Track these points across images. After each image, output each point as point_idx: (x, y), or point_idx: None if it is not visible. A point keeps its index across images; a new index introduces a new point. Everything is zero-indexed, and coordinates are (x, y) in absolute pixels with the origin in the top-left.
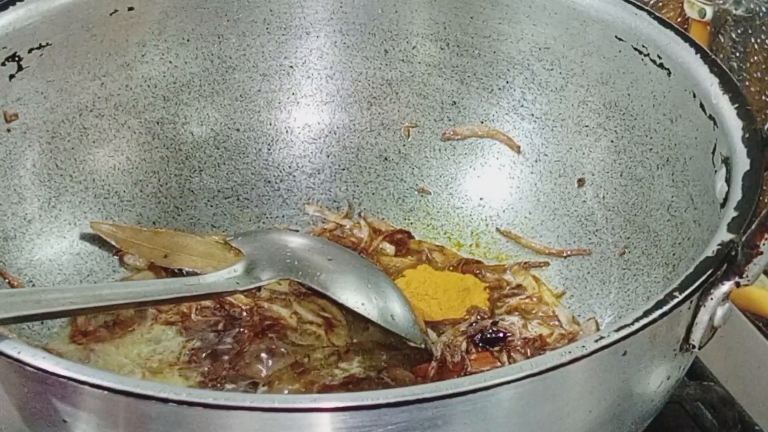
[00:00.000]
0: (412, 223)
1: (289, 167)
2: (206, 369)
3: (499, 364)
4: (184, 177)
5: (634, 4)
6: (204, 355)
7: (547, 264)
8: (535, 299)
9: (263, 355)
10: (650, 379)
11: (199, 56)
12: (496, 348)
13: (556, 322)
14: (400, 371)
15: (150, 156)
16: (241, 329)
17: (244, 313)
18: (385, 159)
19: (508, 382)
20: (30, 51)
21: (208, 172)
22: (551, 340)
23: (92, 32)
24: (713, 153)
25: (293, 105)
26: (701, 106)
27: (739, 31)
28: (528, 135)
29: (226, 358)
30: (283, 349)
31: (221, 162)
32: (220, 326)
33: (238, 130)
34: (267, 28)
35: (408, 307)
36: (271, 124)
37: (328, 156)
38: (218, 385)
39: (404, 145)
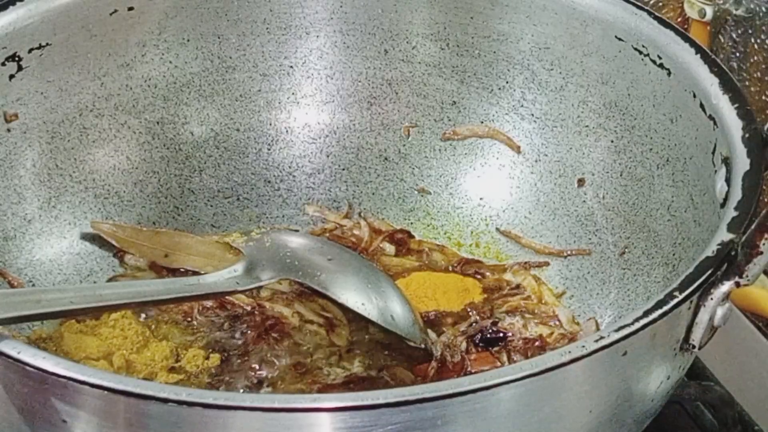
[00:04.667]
0: (412, 223)
1: (289, 167)
2: (212, 370)
3: (499, 364)
4: (184, 177)
5: (634, 4)
6: (211, 355)
7: (547, 264)
8: (535, 299)
9: (267, 355)
10: (650, 379)
11: (199, 56)
12: (496, 348)
13: (556, 322)
14: (401, 371)
15: (150, 156)
16: (246, 329)
17: (247, 313)
18: (385, 159)
19: (508, 382)
20: (30, 51)
21: (208, 172)
22: (551, 340)
23: (92, 32)
24: (713, 153)
25: (293, 105)
26: (701, 106)
27: (739, 31)
28: (528, 135)
29: (233, 358)
30: (286, 350)
31: (221, 162)
32: (225, 326)
33: (238, 130)
34: (267, 28)
35: (408, 307)
36: (271, 124)
37: (328, 156)
38: (223, 385)
39: (404, 145)
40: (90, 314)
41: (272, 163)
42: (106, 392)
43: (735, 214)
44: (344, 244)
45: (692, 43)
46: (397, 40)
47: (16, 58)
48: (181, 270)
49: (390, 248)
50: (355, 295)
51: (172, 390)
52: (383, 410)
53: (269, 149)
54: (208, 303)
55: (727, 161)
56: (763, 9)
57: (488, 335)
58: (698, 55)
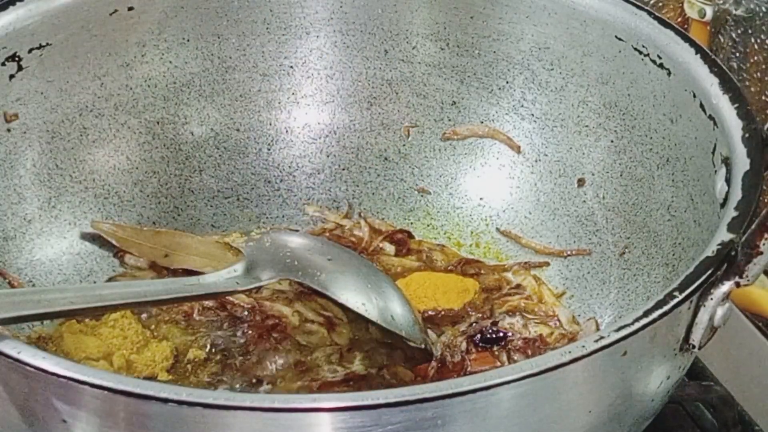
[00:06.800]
0: (412, 223)
1: (289, 167)
2: (212, 370)
3: (499, 364)
4: (184, 177)
5: (634, 4)
6: (212, 355)
7: (547, 264)
8: (535, 299)
9: (268, 354)
10: (650, 379)
11: (199, 56)
12: (496, 348)
13: (556, 322)
14: (401, 369)
15: (150, 156)
16: (246, 329)
17: (247, 313)
18: (385, 159)
19: (508, 382)
20: (30, 51)
21: (208, 172)
22: (551, 340)
23: (92, 32)
24: (713, 153)
25: (293, 105)
26: (701, 106)
27: (739, 31)
28: (528, 135)
29: (233, 358)
30: (286, 349)
31: (221, 162)
32: (225, 326)
33: (238, 130)
34: (267, 28)
35: (408, 307)
36: (271, 124)
37: (328, 156)
38: (223, 384)
39: (404, 145)
40: (90, 314)
41: (272, 163)
42: (106, 392)
43: (735, 214)
44: (344, 244)
45: (692, 43)
46: (397, 40)
47: (16, 58)
48: (181, 270)
49: (390, 248)
50: (355, 295)
51: (172, 390)
52: (383, 410)
53: (269, 149)
54: (208, 303)
55: (727, 161)
56: (763, 9)
57: (488, 335)
58: (698, 55)
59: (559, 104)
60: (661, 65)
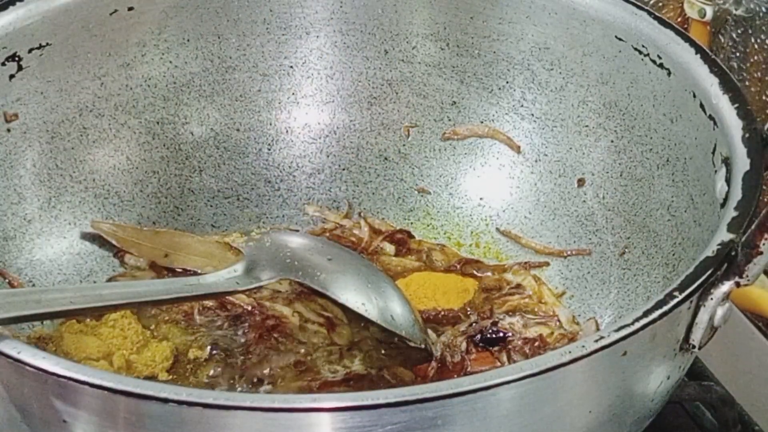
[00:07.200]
0: (412, 223)
1: (289, 167)
2: (212, 370)
3: (499, 364)
4: (184, 177)
5: (634, 4)
6: (212, 355)
7: (547, 264)
8: (535, 299)
9: (268, 355)
10: (650, 379)
11: (199, 56)
12: (496, 348)
13: (556, 322)
14: (401, 369)
15: (150, 156)
16: (246, 329)
17: (247, 313)
18: (385, 159)
19: (508, 382)
20: (30, 51)
21: (208, 172)
22: (551, 340)
23: (92, 32)
24: (713, 153)
25: (293, 105)
26: (701, 106)
27: (739, 31)
28: (528, 135)
29: (234, 358)
30: (286, 349)
31: (221, 162)
32: (225, 326)
33: (238, 130)
34: (267, 28)
35: (408, 307)
36: (271, 124)
37: (328, 156)
38: (223, 384)
39: (404, 145)
40: (90, 314)
41: (272, 163)
42: (106, 392)
43: (735, 214)
44: (344, 244)
45: (692, 43)
46: (397, 40)
47: (16, 58)
48: (181, 270)
49: (390, 248)
50: (355, 295)
51: (172, 390)
52: (383, 410)
53: (269, 149)
54: (208, 303)
55: (727, 161)
56: (763, 9)
57: (488, 335)
58: (698, 55)
59: (559, 104)
60: (661, 65)
